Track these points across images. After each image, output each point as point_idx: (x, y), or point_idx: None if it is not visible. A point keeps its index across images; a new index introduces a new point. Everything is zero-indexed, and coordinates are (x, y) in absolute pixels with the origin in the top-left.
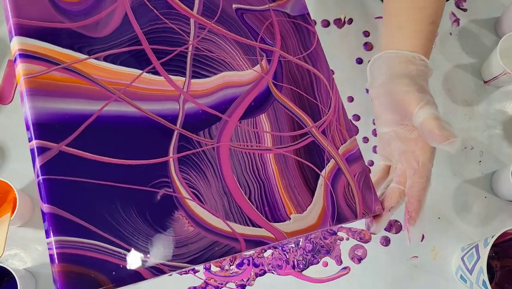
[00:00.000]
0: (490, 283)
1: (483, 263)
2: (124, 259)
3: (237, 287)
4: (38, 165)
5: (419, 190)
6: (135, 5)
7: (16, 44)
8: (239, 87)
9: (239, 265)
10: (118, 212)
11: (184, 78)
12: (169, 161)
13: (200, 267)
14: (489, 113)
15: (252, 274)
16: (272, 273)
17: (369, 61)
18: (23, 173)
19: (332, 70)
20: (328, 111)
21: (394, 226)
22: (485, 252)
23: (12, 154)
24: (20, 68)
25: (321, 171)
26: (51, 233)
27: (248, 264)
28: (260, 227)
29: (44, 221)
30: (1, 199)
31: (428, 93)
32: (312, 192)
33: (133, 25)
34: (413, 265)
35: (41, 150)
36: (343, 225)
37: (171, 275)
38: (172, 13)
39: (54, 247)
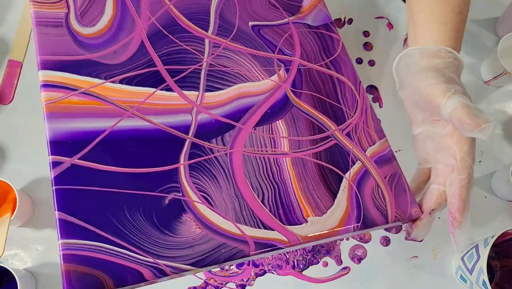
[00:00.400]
0: (490, 283)
1: (483, 263)
2: (127, 260)
3: (237, 287)
4: (52, 176)
5: (460, 188)
6: (151, 32)
7: (40, 76)
8: (255, 96)
9: (239, 265)
10: (124, 215)
11: (198, 92)
12: (179, 168)
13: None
14: (489, 113)
15: (252, 274)
16: (272, 273)
17: (368, 61)
18: (23, 173)
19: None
20: (354, 114)
21: (394, 226)
22: (485, 252)
23: (12, 154)
24: (42, 96)
25: (344, 174)
26: (59, 236)
27: (248, 264)
28: (272, 229)
29: (56, 227)
30: (1, 199)
31: (458, 83)
32: (334, 195)
33: (149, 50)
34: (413, 265)
35: (55, 164)
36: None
37: (172, 277)
38: (186, 36)
39: (60, 248)
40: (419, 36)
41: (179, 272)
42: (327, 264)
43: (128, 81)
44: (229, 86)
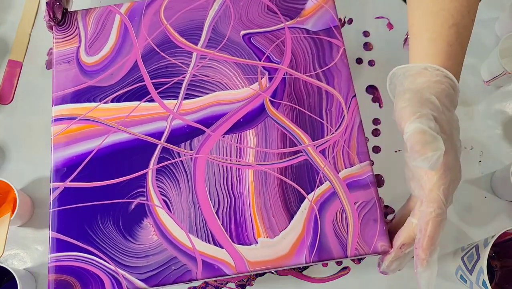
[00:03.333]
0: (490, 283)
1: (483, 263)
2: (95, 266)
3: (237, 287)
4: (50, 200)
5: (426, 222)
6: (146, 51)
7: (52, 112)
8: (230, 104)
9: None
10: (97, 225)
11: (176, 100)
12: (148, 172)
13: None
14: (489, 113)
15: (252, 274)
16: (272, 273)
17: (368, 61)
18: (23, 173)
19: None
20: (335, 131)
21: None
22: (485, 252)
23: (12, 154)
24: (52, 130)
25: (308, 194)
26: (49, 252)
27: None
28: (221, 247)
29: (49, 244)
30: (1, 199)
31: (432, 105)
32: (291, 216)
33: (140, 68)
34: (413, 265)
35: (53, 190)
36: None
37: None
38: (177, 51)
39: (49, 262)
40: (411, 52)
41: (132, 287)
42: (327, 264)
43: (118, 99)
44: (207, 94)
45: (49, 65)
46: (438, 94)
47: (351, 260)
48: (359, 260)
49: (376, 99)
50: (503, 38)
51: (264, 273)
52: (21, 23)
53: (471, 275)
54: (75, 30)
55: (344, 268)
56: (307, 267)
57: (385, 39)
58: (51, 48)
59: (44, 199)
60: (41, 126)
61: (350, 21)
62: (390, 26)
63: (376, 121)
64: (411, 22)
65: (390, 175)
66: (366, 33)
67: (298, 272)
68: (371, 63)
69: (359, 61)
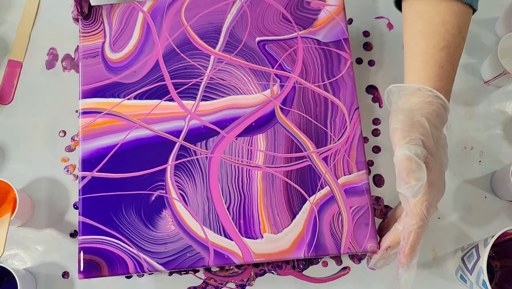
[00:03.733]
0: (490, 283)
1: (483, 263)
2: (119, 249)
3: (237, 287)
4: (79, 188)
5: (409, 233)
6: (167, 51)
7: (80, 105)
8: (244, 108)
9: (239, 265)
10: (121, 213)
11: (194, 101)
12: (167, 168)
13: (199, 267)
14: (489, 113)
15: (252, 274)
16: (272, 273)
17: (368, 61)
18: (23, 173)
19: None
20: (338, 140)
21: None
22: (485, 252)
23: (12, 154)
24: (79, 122)
25: (310, 196)
26: (80, 234)
27: (248, 264)
28: (231, 239)
29: (78, 227)
30: (1, 199)
31: (420, 129)
32: (293, 215)
33: (161, 67)
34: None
35: (82, 178)
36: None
37: (178, 271)
38: (195, 53)
39: (79, 243)
40: (406, 70)
41: (152, 269)
42: (327, 264)
43: (141, 96)
44: (223, 97)
45: (49, 65)
46: (429, 116)
47: (351, 260)
48: (359, 260)
49: (376, 99)
50: (503, 38)
51: (264, 273)
52: (21, 23)
53: (471, 275)
54: (100, 25)
55: (344, 268)
56: (307, 267)
57: (385, 39)
58: (51, 48)
59: (44, 199)
60: (41, 126)
61: (350, 21)
62: (390, 26)
63: (376, 121)
64: (406, 41)
65: (390, 175)
66: (366, 33)
67: (298, 272)
68: (371, 63)
69: (359, 61)
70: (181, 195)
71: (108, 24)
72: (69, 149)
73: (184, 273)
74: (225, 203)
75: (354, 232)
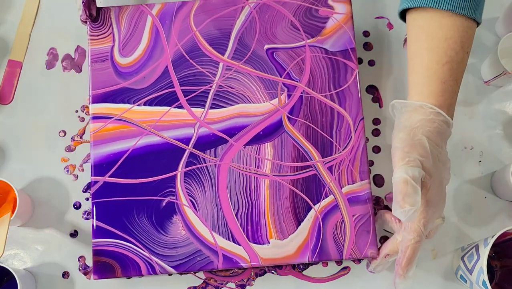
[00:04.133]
0: (490, 283)
1: (483, 263)
2: (132, 252)
3: (237, 287)
4: (91, 192)
5: (406, 247)
6: (176, 57)
7: (91, 110)
8: (252, 117)
9: None
10: (133, 217)
11: (203, 109)
12: (177, 174)
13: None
14: (489, 113)
15: (252, 274)
16: (272, 273)
17: (368, 61)
18: (23, 173)
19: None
20: (343, 150)
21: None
22: (485, 252)
23: (12, 154)
24: (90, 127)
25: (314, 204)
26: (93, 237)
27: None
28: (239, 244)
29: (92, 230)
30: (1, 199)
31: (420, 150)
32: (299, 222)
33: (171, 73)
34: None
35: (94, 183)
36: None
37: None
38: (204, 60)
39: (92, 245)
40: (409, 85)
41: (164, 272)
42: (327, 264)
43: (150, 102)
44: (231, 105)
45: (49, 65)
46: (430, 134)
47: (351, 260)
48: (359, 261)
49: (376, 99)
50: (503, 38)
51: (264, 273)
52: (21, 23)
53: (471, 275)
54: (109, 29)
55: (344, 268)
56: (307, 267)
57: (385, 39)
58: (51, 48)
59: (44, 199)
60: (41, 126)
61: None
62: (390, 26)
63: (376, 121)
64: (410, 55)
65: (390, 175)
66: (366, 33)
67: (298, 272)
68: (371, 63)
69: (359, 61)
70: (191, 201)
71: (117, 28)
72: (69, 149)
73: (184, 273)
74: (233, 209)
75: (356, 239)
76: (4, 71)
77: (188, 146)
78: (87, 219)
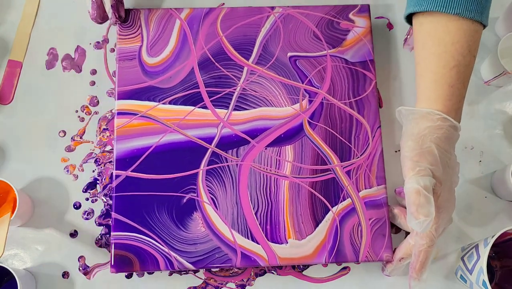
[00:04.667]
0: (490, 283)
1: (483, 263)
2: (151, 247)
3: (237, 287)
4: (113, 186)
5: (419, 251)
6: (202, 59)
7: (116, 106)
8: (274, 120)
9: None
10: (154, 212)
11: (227, 110)
12: (199, 172)
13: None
14: (489, 113)
15: (252, 274)
16: (272, 273)
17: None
18: (23, 173)
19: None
20: (361, 155)
21: (394, 227)
22: (485, 252)
23: (12, 154)
24: (115, 122)
25: (332, 207)
26: (112, 230)
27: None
28: (258, 243)
29: (111, 223)
30: (1, 199)
31: (429, 158)
32: (316, 224)
33: (196, 75)
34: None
35: (116, 177)
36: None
37: (179, 271)
38: (229, 63)
39: (112, 239)
40: (417, 89)
41: (182, 268)
42: (327, 264)
43: (175, 102)
44: (254, 108)
45: (49, 65)
46: (438, 140)
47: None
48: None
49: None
50: (503, 38)
51: (264, 273)
52: (21, 23)
53: (471, 275)
54: (138, 29)
55: (344, 268)
56: (307, 267)
57: (385, 39)
58: (51, 48)
59: (44, 199)
60: (41, 126)
61: None
62: (390, 26)
63: None
64: (417, 60)
65: (390, 175)
66: None
67: (298, 272)
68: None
69: None
70: (212, 199)
71: (146, 29)
72: (69, 149)
73: (184, 273)
74: (253, 208)
75: (372, 242)
76: (4, 71)
77: (210, 145)
78: (87, 219)
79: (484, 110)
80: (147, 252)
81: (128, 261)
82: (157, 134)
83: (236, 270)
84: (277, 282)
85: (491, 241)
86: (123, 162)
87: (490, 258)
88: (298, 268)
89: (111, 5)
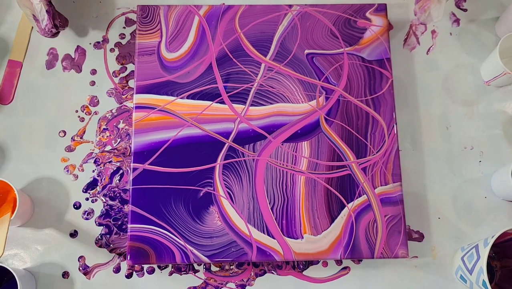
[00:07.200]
0: (490, 283)
1: (483, 263)
2: (167, 240)
3: (237, 287)
4: (130, 178)
5: None
6: (220, 55)
7: (134, 99)
8: (291, 116)
9: (239, 265)
10: (170, 205)
11: (244, 106)
12: (216, 166)
13: (200, 267)
14: (489, 113)
15: (252, 274)
16: (272, 273)
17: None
18: (23, 173)
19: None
20: (376, 152)
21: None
22: (485, 252)
23: (12, 154)
24: (133, 116)
25: (348, 203)
26: (129, 222)
27: (248, 264)
28: (273, 237)
29: (128, 215)
30: (1, 199)
31: None
32: (332, 219)
33: (214, 70)
34: (413, 265)
35: (134, 169)
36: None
37: (179, 271)
38: (247, 60)
39: (128, 231)
40: None
41: (198, 261)
42: (327, 264)
43: (193, 96)
44: (271, 104)
45: (49, 65)
46: None
47: (351, 260)
48: (359, 260)
49: None
50: (503, 38)
51: (264, 273)
52: (21, 23)
53: (471, 275)
54: (157, 25)
55: (344, 268)
56: (307, 267)
57: None
58: (51, 48)
59: (44, 199)
60: (41, 126)
61: None
62: (390, 26)
63: None
64: None
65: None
66: None
67: (298, 272)
68: None
69: None
70: (228, 193)
71: (165, 25)
72: (69, 149)
73: (184, 273)
74: (269, 203)
75: (387, 239)
76: (4, 71)
77: (228, 139)
78: (87, 219)
79: (484, 111)
80: (163, 245)
81: (145, 253)
82: (174, 128)
83: (236, 270)
84: (277, 282)
85: (491, 241)
86: (141, 155)
87: (490, 258)
88: (298, 268)
89: (46, 10)
